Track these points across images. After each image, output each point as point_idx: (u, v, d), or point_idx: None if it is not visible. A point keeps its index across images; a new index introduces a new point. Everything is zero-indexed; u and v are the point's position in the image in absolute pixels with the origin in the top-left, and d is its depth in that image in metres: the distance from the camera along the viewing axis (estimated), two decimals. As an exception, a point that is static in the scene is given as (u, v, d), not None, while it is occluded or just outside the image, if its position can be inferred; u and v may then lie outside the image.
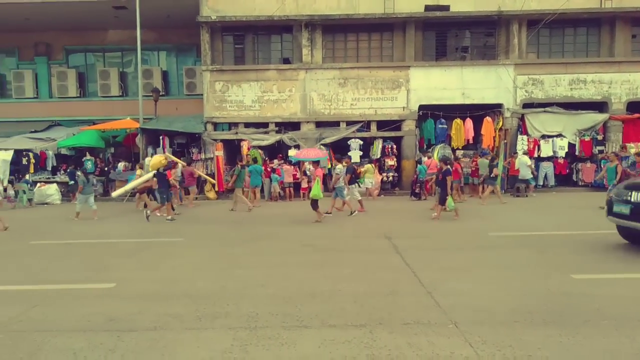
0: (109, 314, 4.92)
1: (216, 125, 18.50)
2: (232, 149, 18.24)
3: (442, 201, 11.53)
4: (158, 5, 18.48)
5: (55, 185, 17.58)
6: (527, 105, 18.07)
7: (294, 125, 18.33)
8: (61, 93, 21.53)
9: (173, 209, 12.67)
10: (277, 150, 18.28)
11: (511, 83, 17.85)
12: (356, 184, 14.04)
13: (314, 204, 11.49)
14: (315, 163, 14.37)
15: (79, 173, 14.44)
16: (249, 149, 17.64)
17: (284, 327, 4.51)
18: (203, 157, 18.19)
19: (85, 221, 12.35)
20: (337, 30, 18.27)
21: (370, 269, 6.69)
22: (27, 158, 18.28)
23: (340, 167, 13.37)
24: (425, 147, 18.41)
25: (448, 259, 7.18)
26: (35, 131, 20.10)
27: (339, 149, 18.15)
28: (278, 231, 10.36)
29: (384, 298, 5.31)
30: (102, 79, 21.42)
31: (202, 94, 18.96)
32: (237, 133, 18.17)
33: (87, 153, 18.96)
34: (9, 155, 17.96)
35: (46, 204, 16.90)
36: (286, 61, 18.57)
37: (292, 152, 17.58)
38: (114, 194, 15.98)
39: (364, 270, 6.57)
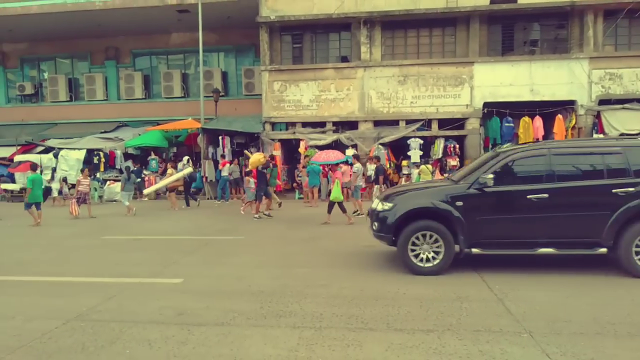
0: (179, 308, 5.08)
1: (274, 125, 18.76)
2: (290, 148, 18.43)
3: None
4: (219, 8, 18.98)
5: (119, 184, 18.47)
6: (603, 102, 16.94)
7: (352, 125, 18.24)
8: (128, 95, 22.62)
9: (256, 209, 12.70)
10: (334, 150, 18.27)
11: (585, 78, 16.83)
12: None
13: (330, 206, 11.36)
14: (335, 165, 14.28)
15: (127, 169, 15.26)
16: (306, 148, 17.76)
17: (348, 328, 4.46)
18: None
19: (148, 217, 12.90)
20: (396, 26, 18.00)
21: (434, 271, 6.50)
22: (97, 157, 19.35)
23: (358, 166, 13.13)
24: (490, 146, 17.75)
25: (519, 264, 6.86)
26: (105, 131, 21.21)
27: (398, 148, 17.87)
28: (336, 231, 10.34)
29: (451, 303, 5.14)
30: (166, 81, 22.29)
31: (260, 94, 19.27)
32: (294, 133, 18.33)
33: (152, 152, 19.80)
34: (81, 155, 19.11)
35: (114, 200, 17.80)
36: (344, 59, 18.52)
37: (308, 152, 17.44)
38: (146, 191, 16.61)
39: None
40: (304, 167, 16.54)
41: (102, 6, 19.19)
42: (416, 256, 6.45)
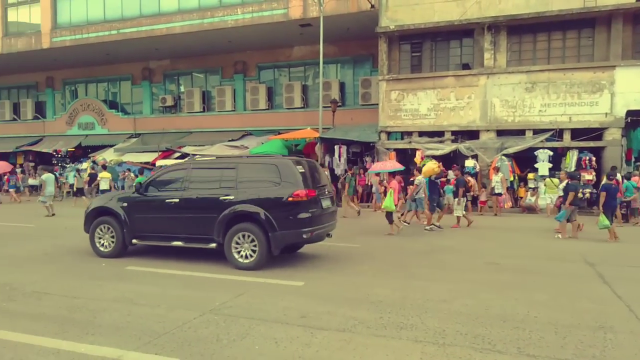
0: (302, 311, 5.25)
1: (390, 134, 18.68)
2: (406, 158, 18.19)
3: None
4: (339, 20, 19.49)
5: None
6: None
7: (472, 134, 17.48)
8: (253, 106, 24.17)
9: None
10: (452, 161, 17.65)
11: None
12: (464, 199, 12.96)
13: (389, 216, 11.17)
14: (391, 175, 13.68)
15: None
16: (422, 158, 17.39)
17: (474, 348, 4.25)
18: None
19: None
20: (524, 30, 16.91)
21: (570, 297, 5.94)
22: (225, 163, 20.89)
23: (419, 178, 12.58)
24: (633, 159, 15.82)
25: None
26: (232, 140, 22.86)
27: (524, 160, 16.70)
28: (455, 245, 9.96)
29: (593, 333, 4.64)
30: (287, 92, 23.40)
31: (376, 104, 19.34)
32: (410, 142, 18.08)
33: (273, 160, 20.90)
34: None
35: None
36: (465, 67, 17.86)
37: (425, 162, 16.75)
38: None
39: (562, 298, 5.87)
40: (353, 174, 16.19)
41: (233, 24, 20.78)
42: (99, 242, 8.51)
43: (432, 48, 18.40)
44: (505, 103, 16.87)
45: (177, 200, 7.90)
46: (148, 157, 23.23)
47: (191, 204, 7.85)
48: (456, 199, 12.74)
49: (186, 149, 22.58)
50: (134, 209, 8.27)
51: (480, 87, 17.16)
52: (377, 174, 16.51)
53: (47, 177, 15.65)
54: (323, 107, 19.81)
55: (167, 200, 7.99)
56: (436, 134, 17.93)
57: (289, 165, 7.68)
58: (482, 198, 15.84)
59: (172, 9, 22.06)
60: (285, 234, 7.39)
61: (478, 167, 16.82)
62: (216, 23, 21.06)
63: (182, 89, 26.46)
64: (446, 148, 17.40)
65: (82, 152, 26.41)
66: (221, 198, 7.60)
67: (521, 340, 4.44)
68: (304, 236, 7.51)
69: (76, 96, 28.78)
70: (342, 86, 23.00)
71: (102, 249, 8.42)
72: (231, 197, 7.55)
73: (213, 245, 7.70)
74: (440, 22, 17.35)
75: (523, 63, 17.00)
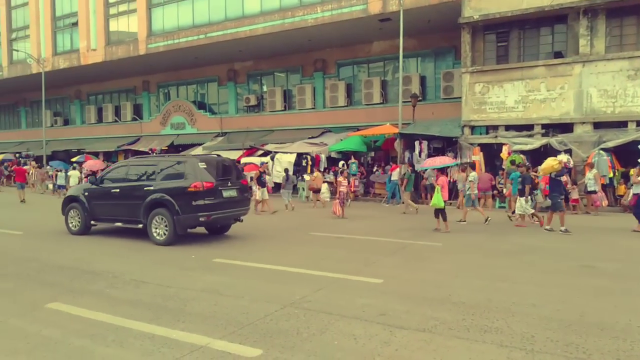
0: (381, 308, 5.22)
1: (473, 129, 17.94)
2: (491, 153, 17.38)
3: None
4: (420, 13, 19.03)
5: (326, 184, 19.96)
6: None
7: (564, 127, 16.28)
8: (332, 103, 24.34)
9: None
10: (542, 156, 16.54)
11: None
12: (530, 197, 12.07)
13: (436, 212, 11.11)
14: (440, 171, 13.29)
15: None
16: (509, 153, 16.52)
17: (567, 357, 3.97)
18: (459, 161, 17.87)
19: (350, 219, 13.61)
20: (626, 13, 15.42)
21: (681, 304, 5.36)
22: (305, 160, 21.29)
23: (473, 175, 12.80)
24: None
25: None
26: (312, 137, 23.23)
27: (626, 154, 15.23)
28: (544, 245, 9.36)
29: None
30: (366, 88, 23.29)
31: (459, 97, 18.67)
32: (496, 137, 17.22)
33: (352, 156, 20.91)
34: (292, 158, 21.29)
35: (318, 200, 19.33)
36: (557, 55, 16.65)
37: (512, 157, 15.87)
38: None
39: (671, 306, 5.31)
40: (507, 173, 15.42)
41: (313, 23, 21.07)
42: (71, 223, 10.93)
43: (520, 37, 17.38)
44: (603, 93, 15.51)
45: (118, 190, 10.13)
46: (233, 155, 24.14)
47: (126, 192, 9.98)
48: (522, 197, 12.05)
49: (268, 147, 23.32)
50: (92, 197, 10.60)
51: (574, 76, 15.93)
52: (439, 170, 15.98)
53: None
54: (403, 102, 19.47)
55: (112, 190, 10.24)
56: (524, 128, 16.92)
57: (192, 162, 9.63)
58: (574, 196, 14.71)
59: (254, 11, 22.83)
60: (186, 217, 9.19)
61: (572, 162, 15.64)
62: (297, 22, 21.46)
63: (264, 88, 27.31)
64: (536, 142, 16.36)
65: (174, 151, 28.20)
66: (145, 188, 9.64)
67: (621, 351, 4.08)
68: (201, 219, 9.35)
69: (169, 98, 30.78)
70: (422, 80, 22.47)
71: (73, 228, 10.85)
72: (151, 187, 9.56)
73: (140, 225, 9.68)
74: (529, 9, 16.32)
75: (625, 49, 15.51)
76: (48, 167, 27.95)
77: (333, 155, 21.59)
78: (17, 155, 34.82)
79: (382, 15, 19.75)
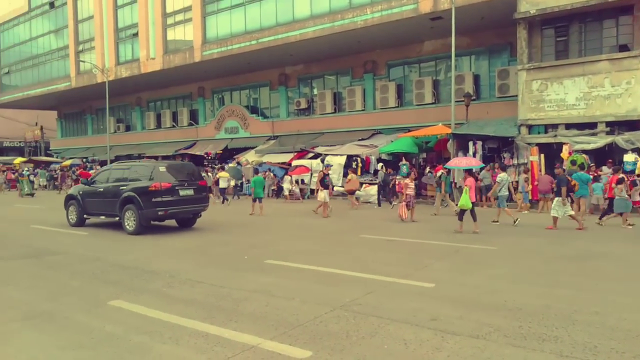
0: (432, 313, 5.12)
1: (531, 128, 17.22)
2: (550, 153, 16.61)
3: None
4: (472, 10, 18.52)
5: (376, 186, 19.84)
6: None
7: (632, 125, 15.29)
8: (383, 104, 24.15)
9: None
10: (606, 155, 15.67)
11: None
12: (568, 198, 11.54)
13: (461, 214, 11.09)
14: (467, 172, 12.84)
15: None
16: (570, 153, 15.73)
17: (634, 369, 3.73)
18: (516, 162, 17.22)
19: (399, 222, 13.44)
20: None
21: None
22: (355, 162, 21.24)
23: (503, 175, 12.93)
24: None
25: None
26: (362, 139, 23.15)
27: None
28: (611, 251, 8.83)
29: None
30: (417, 89, 22.94)
31: (515, 96, 17.99)
32: (556, 135, 16.44)
33: (402, 158, 20.63)
34: (342, 160, 21.31)
35: (369, 202, 19.24)
36: (623, 49, 15.68)
37: (574, 157, 15.29)
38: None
39: None
40: (568, 174, 14.70)
41: (362, 24, 20.99)
42: (70, 217, 13.26)
43: (581, 30, 16.53)
44: (675, 87, 14.46)
45: (102, 189, 12.31)
46: (285, 158, 24.63)
47: (108, 191, 12.12)
48: (557, 198, 11.48)
49: (318, 149, 23.47)
50: (84, 196, 12.75)
51: (642, 70, 14.95)
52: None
53: None
54: (455, 101, 19.03)
55: (98, 190, 12.42)
56: (586, 126, 16.05)
57: (155, 166, 11.88)
58: (636, 198, 13.78)
59: (304, 15, 23.06)
60: (148, 211, 11.22)
61: (640, 161, 14.68)
62: (346, 25, 21.47)
63: (314, 91, 27.54)
64: (599, 141, 15.48)
65: (228, 154, 28.99)
66: (120, 187, 11.73)
67: (697, 365, 3.78)
68: (160, 213, 11.33)
69: (223, 103, 31.69)
70: (476, 79, 21.86)
71: (71, 221, 13.05)
72: (124, 187, 11.63)
73: (117, 218, 11.82)
74: (591, 1, 15.49)
75: (699, 38, 14.41)
76: None
77: (383, 156, 21.40)
78: (84, 160, 37.02)
79: (433, 14, 19.39)
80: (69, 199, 13.27)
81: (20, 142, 53.97)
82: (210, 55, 26.79)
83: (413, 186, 13.63)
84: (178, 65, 28.68)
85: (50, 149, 46.78)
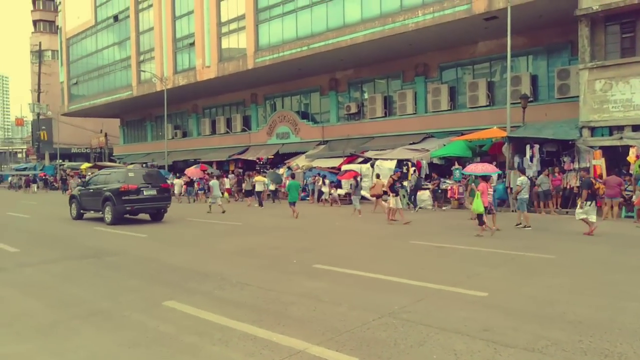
0: (484, 323, 4.93)
1: (594, 130, 16.31)
2: (616, 156, 15.67)
3: None
4: (529, 8, 17.82)
5: (428, 191, 19.45)
6: None
7: None
8: (435, 107, 23.70)
9: None
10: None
11: None
12: (591, 202, 11.06)
13: (479, 217, 11.36)
14: (482, 177, 13.06)
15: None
16: (638, 156, 14.77)
17: None
18: (576, 166, 16.35)
19: (449, 228, 13.09)
20: None
21: None
22: (406, 167, 20.91)
23: (522, 179, 13.24)
24: None
25: None
26: (413, 143, 22.79)
27: None
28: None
29: None
30: (471, 91, 22.33)
31: (576, 96, 17.13)
32: (622, 138, 15.48)
33: (455, 162, 20.13)
34: (392, 164, 21.06)
35: (421, 207, 18.88)
36: (697, 44, 14.61)
37: None
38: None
39: None
40: (636, 179, 13.82)
41: (414, 27, 20.73)
42: (71, 212, 17.02)
43: (650, 26, 15.51)
44: None
45: (92, 190, 15.97)
46: (334, 162, 24.66)
47: (96, 192, 15.70)
48: (583, 202, 10.85)
49: (368, 154, 23.33)
50: (82, 195, 16.46)
51: None
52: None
53: (213, 183, 19.59)
54: (511, 103, 18.38)
55: (90, 190, 16.08)
56: (657, 128, 15.02)
57: (125, 172, 16.06)
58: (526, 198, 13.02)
59: (355, 19, 23.07)
60: (119, 207, 14.63)
61: None
62: (397, 28, 21.29)
63: (365, 95, 27.45)
64: (671, 144, 14.44)
65: (279, 159, 29.43)
66: (103, 189, 15.32)
67: None
68: (127, 208, 14.79)
69: (274, 109, 32.24)
70: (533, 79, 21.02)
71: (72, 215, 16.75)
72: (105, 189, 15.23)
73: (101, 213, 15.20)
74: (661, -6, 14.52)
75: None
76: None
77: (435, 161, 20.96)
78: (143, 165, 38.76)
79: (487, 13, 18.85)
80: (72, 198, 17.23)
81: (86, 148, 57.40)
82: (262, 62, 27.36)
83: (492, 192, 13.07)
84: (232, 73, 29.49)
85: (114, 154, 49.36)
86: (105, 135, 53.38)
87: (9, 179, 46.18)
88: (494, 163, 17.65)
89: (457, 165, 19.85)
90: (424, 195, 19.27)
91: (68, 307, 5.86)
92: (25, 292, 6.66)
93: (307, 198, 22.95)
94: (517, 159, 18.23)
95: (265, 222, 15.16)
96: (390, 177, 15.62)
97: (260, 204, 21.21)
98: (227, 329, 4.90)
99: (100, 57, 43.14)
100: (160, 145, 38.13)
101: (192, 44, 32.50)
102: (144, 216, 16.20)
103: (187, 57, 33.52)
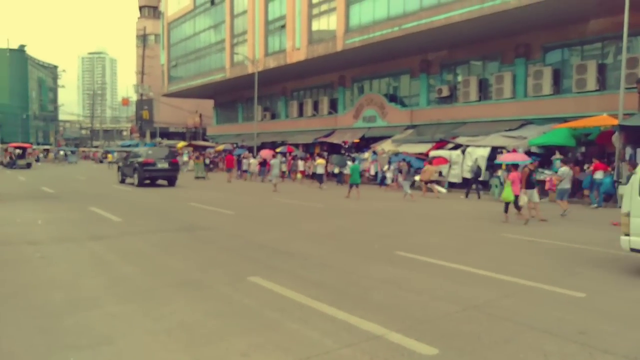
0: (580, 326, 4.55)
1: None
2: None
3: None
4: (654, -19, 15.84)
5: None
6: None
7: None
8: (535, 92, 22.02)
9: None
10: None
11: None
12: None
13: (506, 206, 11.67)
14: (513, 166, 12.91)
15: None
16: None
17: None
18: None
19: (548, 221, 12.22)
20: None
21: None
22: (501, 154, 19.77)
23: (564, 169, 13.64)
24: None
25: None
26: (510, 129, 21.46)
27: None
28: None
29: None
30: (578, 74, 20.42)
31: None
32: None
33: (556, 152, 18.67)
34: (486, 152, 20.05)
35: (430, 191, 18.78)
36: None
37: None
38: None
39: None
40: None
41: (516, 4, 19.26)
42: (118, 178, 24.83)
43: None
44: None
45: (129, 163, 22.62)
46: (422, 148, 24.01)
47: (129, 164, 22.48)
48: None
49: (459, 140, 22.41)
50: (124, 166, 23.63)
51: None
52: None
53: (274, 162, 22.71)
54: (625, 88, 16.58)
55: (127, 163, 22.92)
56: None
57: (145, 150, 23.06)
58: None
59: (451, -3, 21.96)
60: (141, 174, 21.15)
61: None
62: (497, 6, 19.94)
63: (458, 78, 26.28)
64: None
65: (364, 143, 29.27)
66: (133, 161, 22.05)
67: None
68: (146, 175, 21.26)
69: (362, 92, 31.99)
70: (654, 62, 18.74)
71: (118, 179, 23.93)
72: (134, 161, 21.92)
73: (131, 178, 22.17)
74: None
75: None
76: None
77: (533, 149, 19.59)
78: (235, 145, 40.57)
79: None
80: (118, 168, 25.02)
81: (183, 128, 61.21)
82: (352, 44, 27.17)
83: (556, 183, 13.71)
84: (321, 55, 29.65)
85: (207, 134, 52.18)
86: (200, 115, 56.54)
87: (114, 154, 51.34)
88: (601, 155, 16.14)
89: (558, 155, 18.41)
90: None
91: (163, 275, 6.31)
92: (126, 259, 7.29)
93: (387, 183, 22.64)
94: (629, 151, 16.50)
95: (347, 205, 15.20)
96: (525, 166, 13.19)
97: (321, 185, 22.86)
98: (307, 307, 4.97)
99: (197, 40, 45.53)
100: (250, 126, 39.58)
101: (284, 26, 33.09)
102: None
103: (278, 39, 34.22)
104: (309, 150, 33.62)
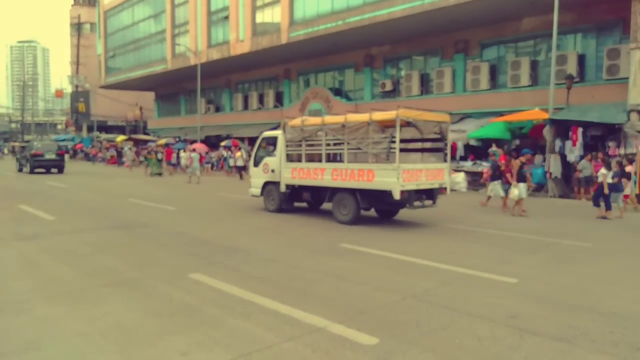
0: (512, 310, 4.79)
1: (643, 114, 15.45)
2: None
3: None
4: (580, -17, 16.86)
5: (462, 173, 19.01)
6: None
7: None
8: (474, 87, 22.89)
9: None
10: None
11: None
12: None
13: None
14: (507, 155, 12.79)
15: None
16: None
17: None
18: (622, 152, 15.56)
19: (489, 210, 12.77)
20: None
21: None
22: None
23: (583, 162, 14.08)
24: None
25: None
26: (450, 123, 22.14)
27: None
28: None
29: None
30: (513, 70, 21.43)
31: (626, 78, 16.21)
32: (672, 122, 14.69)
33: (493, 144, 19.51)
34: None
35: (454, 190, 18.50)
36: None
37: None
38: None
39: None
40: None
41: (455, 2, 19.83)
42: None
43: None
44: None
45: (24, 155, 28.01)
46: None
47: (25, 156, 27.69)
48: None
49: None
50: (21, 157, 28.65)
51: None
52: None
53: (194, 155, 22.85)
54: (555, 84, 17.56)
55: (23, 154, 28.46)
56: None
57: (35, 144, 28.13)
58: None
59: (393, -7, 22.33)
60: (32, 163, 26.23)
61: None
62: (437, 2, 20.47)
63: (401, 73, 26.82)
64: None
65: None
66: (27, 154, 27.09)
67: None
68: (36, 164, 26.20)
69: (308, 85, 31.97)
70: (580, 59, 19.96)
71: (17, 169, 28.28)
72: (26, 153, 27.61)
73: (26, 168, 27.32)
74: None
75: None
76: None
77: (472, 142, 20.39)
78: (178, 139, 39.40)
79: (535, -12, 17.90)
80: (16, 160, 28.62)
81: (122, 121, 58.70)
82: (296, 37, 27.05)
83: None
84: (265, 47, 29.30)
85: (148, 128, 50.38)
86: (141, 108, 54.44)
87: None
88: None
89: (494, 148, 19.23)
90: (459, 177, 18.85)
91: (98, 275, 6.02)
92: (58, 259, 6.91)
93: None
94: (558, 143, 17.53)
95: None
96: (516, 159, 12.61)
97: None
98: (250, 303, 4.93)
99: (136, 30, 43.71)
100: (194, 119, 38.53)
101: (227, 18, 32.41)
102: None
103: (221, 31, 33.47)
104: (254, 143, 33.25)
